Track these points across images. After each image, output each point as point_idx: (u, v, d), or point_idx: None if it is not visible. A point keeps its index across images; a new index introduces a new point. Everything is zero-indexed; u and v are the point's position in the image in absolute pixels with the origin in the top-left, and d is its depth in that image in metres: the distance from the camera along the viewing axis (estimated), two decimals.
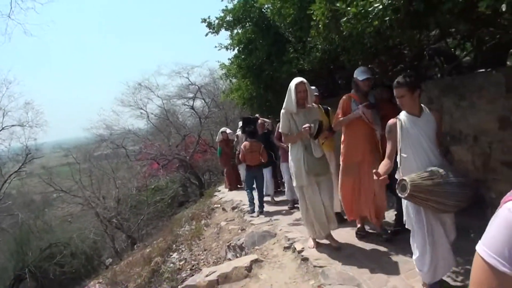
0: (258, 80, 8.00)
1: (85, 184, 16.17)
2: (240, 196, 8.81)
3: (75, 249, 14.44)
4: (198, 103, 19.24)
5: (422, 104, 3.12)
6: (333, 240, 4.55)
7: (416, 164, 3.07)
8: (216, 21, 7.61)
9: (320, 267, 4.07)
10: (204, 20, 7.57)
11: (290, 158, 4.53)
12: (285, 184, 7.14)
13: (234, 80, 9.97)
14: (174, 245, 7.90)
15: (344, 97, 4.47)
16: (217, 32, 7.71)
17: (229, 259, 5.68)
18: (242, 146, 7.52)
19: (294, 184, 4.51)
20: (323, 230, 4.46)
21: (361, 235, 4.75)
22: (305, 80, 4.32)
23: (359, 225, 4.81)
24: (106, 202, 14.48)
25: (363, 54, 5.02)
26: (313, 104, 4.56)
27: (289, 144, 4.58)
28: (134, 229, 13.83)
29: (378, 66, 6.49)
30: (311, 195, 4.34)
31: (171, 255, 7.39)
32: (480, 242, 0.85)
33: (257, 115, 9.07)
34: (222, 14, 7.62)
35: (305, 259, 4.37)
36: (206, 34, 7.68)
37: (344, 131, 4.57)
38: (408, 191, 2.86)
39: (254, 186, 7.25)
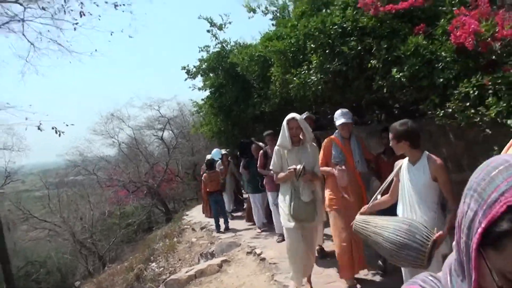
0: (227, 118, 9.37)
1: (54, 209, 16.74)
2: (208, 219, 9.80)
3: (51, 267, 14.90)
4: (166, 134, 20.42)
5: (426, 153, 2.95)
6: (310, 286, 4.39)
7: (399, 210, 3.02)
8: (194, 69, 9.12)
9: (274, 263, 5.45)
10: (183, 68, 9.06)
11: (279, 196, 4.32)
12: (273, 217, 6.54)
13: (204, 117, 11.29)
14: (152, 257, 8.99)
15: (326, 140, 4.33)
16: (194, 77, 9.21)
17: None
18: (203, 178, 8.50)
19: (282, 223, 4.32)
20: (301, 274, 4.29)
21: None
22: (298, 116, 4.12)
23: (349, 283, 4.26)
24: (79, 225, 15.17)
25: (312, 102, 6.57)
26: (312, 142, 4.29)
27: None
28: (106, 251, 14.57)
29: (325, 113, 8.12)
30: (294, 240, 4.12)
31: (150, 264, 8.49)
32: None
33: (252, 138, 8.91)
34: (198, 63, 9.15)
35: (263, 259, 5.76)
36: (185, 79, 9.16)
37: (326, 175, 4.32)
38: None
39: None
